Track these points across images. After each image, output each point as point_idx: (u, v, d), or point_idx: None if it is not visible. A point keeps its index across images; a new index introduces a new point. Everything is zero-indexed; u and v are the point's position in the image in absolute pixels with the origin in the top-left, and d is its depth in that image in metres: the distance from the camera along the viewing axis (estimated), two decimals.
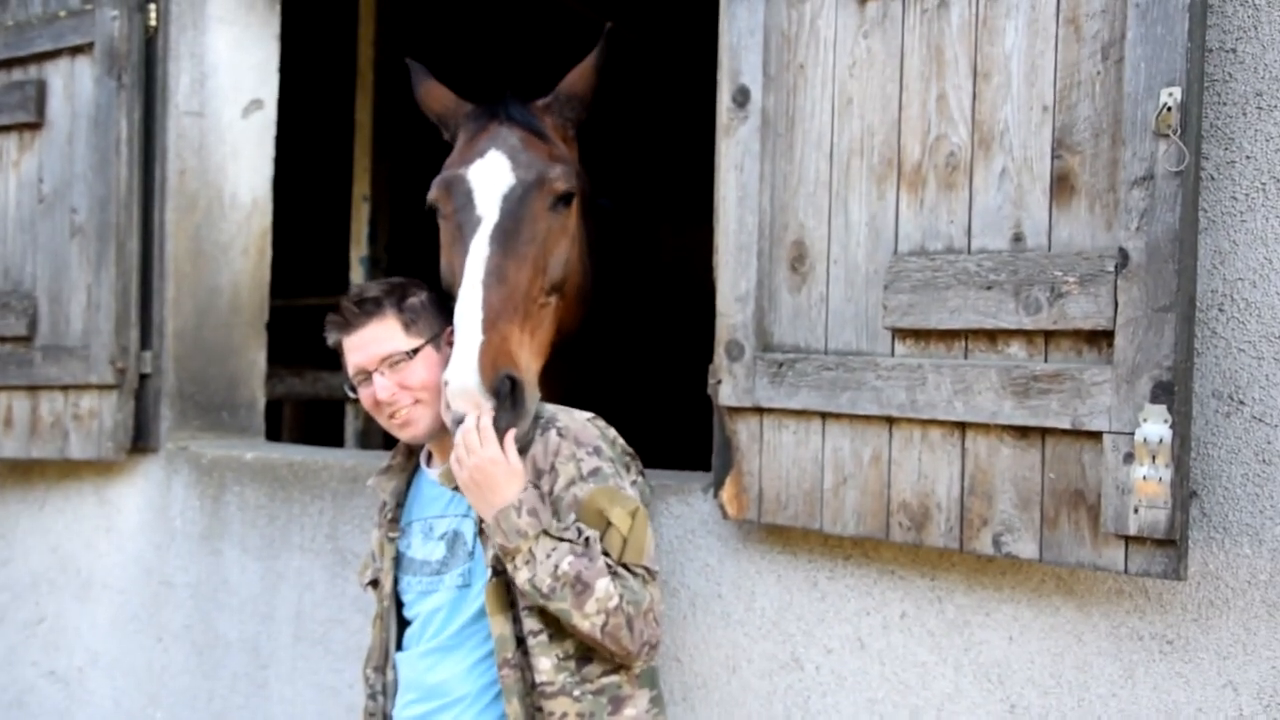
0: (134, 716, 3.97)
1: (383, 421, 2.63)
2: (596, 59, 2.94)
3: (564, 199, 2.74)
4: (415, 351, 2.58)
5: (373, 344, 2.58)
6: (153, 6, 3.99)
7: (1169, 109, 2.09)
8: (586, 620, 2.34)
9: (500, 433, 2.43)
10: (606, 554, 2.40)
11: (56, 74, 4.11)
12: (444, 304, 2.67)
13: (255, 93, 4.24)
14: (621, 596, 2.35)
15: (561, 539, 2.36)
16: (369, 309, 2.60)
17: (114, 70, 3.94)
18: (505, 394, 2.44)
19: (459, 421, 2.44)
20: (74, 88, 4.07)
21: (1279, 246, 2.16)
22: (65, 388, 4.03)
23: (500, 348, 2.47)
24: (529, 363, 2.57)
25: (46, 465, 4.21)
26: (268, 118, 4.28)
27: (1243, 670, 2.16)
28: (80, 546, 4.15)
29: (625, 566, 2.41)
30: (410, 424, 2.58)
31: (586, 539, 2.38)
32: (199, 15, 4.07)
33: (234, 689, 3.73)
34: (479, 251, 2.57)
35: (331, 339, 2.67)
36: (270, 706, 3.64)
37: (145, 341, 4.00)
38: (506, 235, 2.61)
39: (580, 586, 2.33)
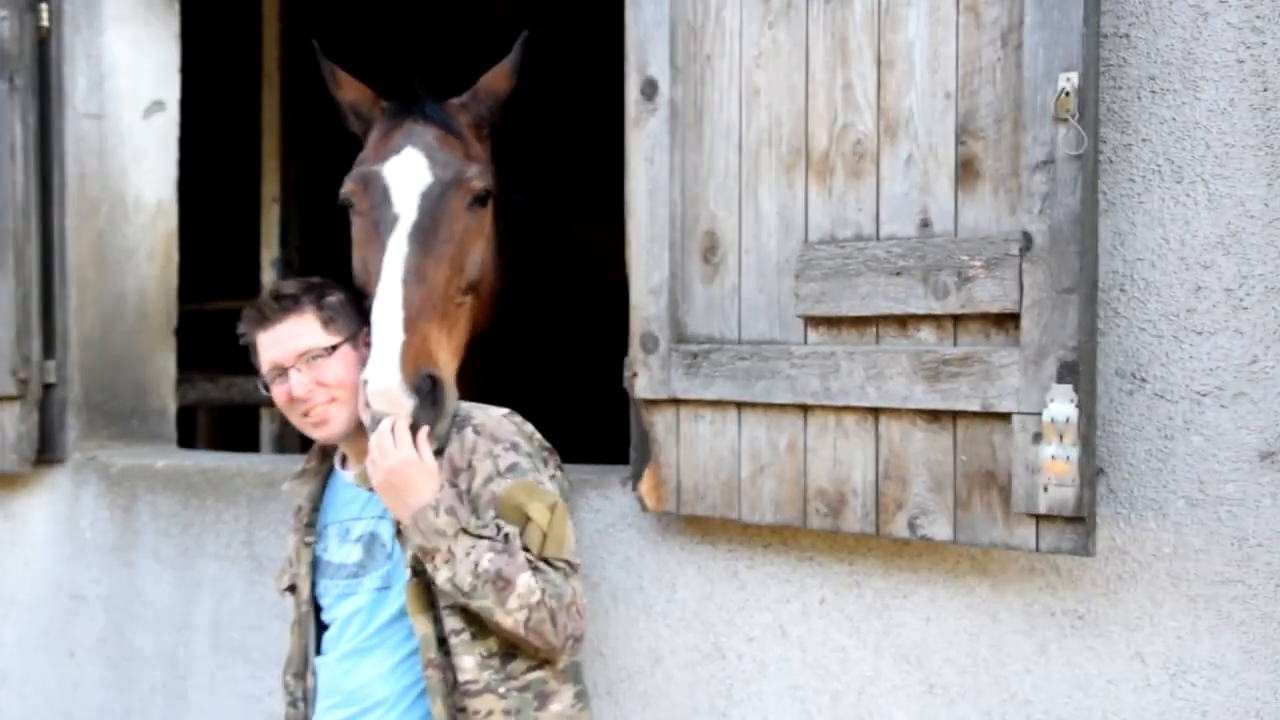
0: None
1: (295, 420, 2.59)
2: (513, 62, 2.91)
3: (481, 198, 2.73)
4: (334, 348, 2.55)
5: (290, 340, 2.55)
6: (44, 6, 3.88)
7: (1067, 94, 2.13)
8: (509, 616, 2.32)
9: (419, 430, 2.41)
10: (527, 549, 2.39)
11: None
12: (360, 306, 2.64)
13: (156, 94, 4.15)
14: (544, 591, 2.35)
15: (481, 536, 2.35)
16: (287, 305, 2.57)
17: (4, 72, 3.83)
18: (425, 392, 2.43)
19: (378, 421, 2.41)
20: None
21: (1175, 227, 2.21)
22: None
23: (420, 347, 2.46)
24: (448, 362, 2.56)
25: None
26: (170, 119, 4.19)
27: (1150, 641, 2.21)
28: None
29: (546, 561, 2.41)
30: (325, 422, 2.55)
31: (506, 535, 2.37)
32: (95, 15, 3.97)
33: (151, 702, 3.65)
34: (397, 250, 2.55)
35: (246, 336, 2.63)
36: (189, 717, 3.57)
37: (49, 351, 3.90)
38: (425, 234, 2.59)
39: (501, 583, 2.31)
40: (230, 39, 6.84)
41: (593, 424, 3.39)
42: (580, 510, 2.81)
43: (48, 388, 3.90)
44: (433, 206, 2.63)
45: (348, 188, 2.73)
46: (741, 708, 2.64)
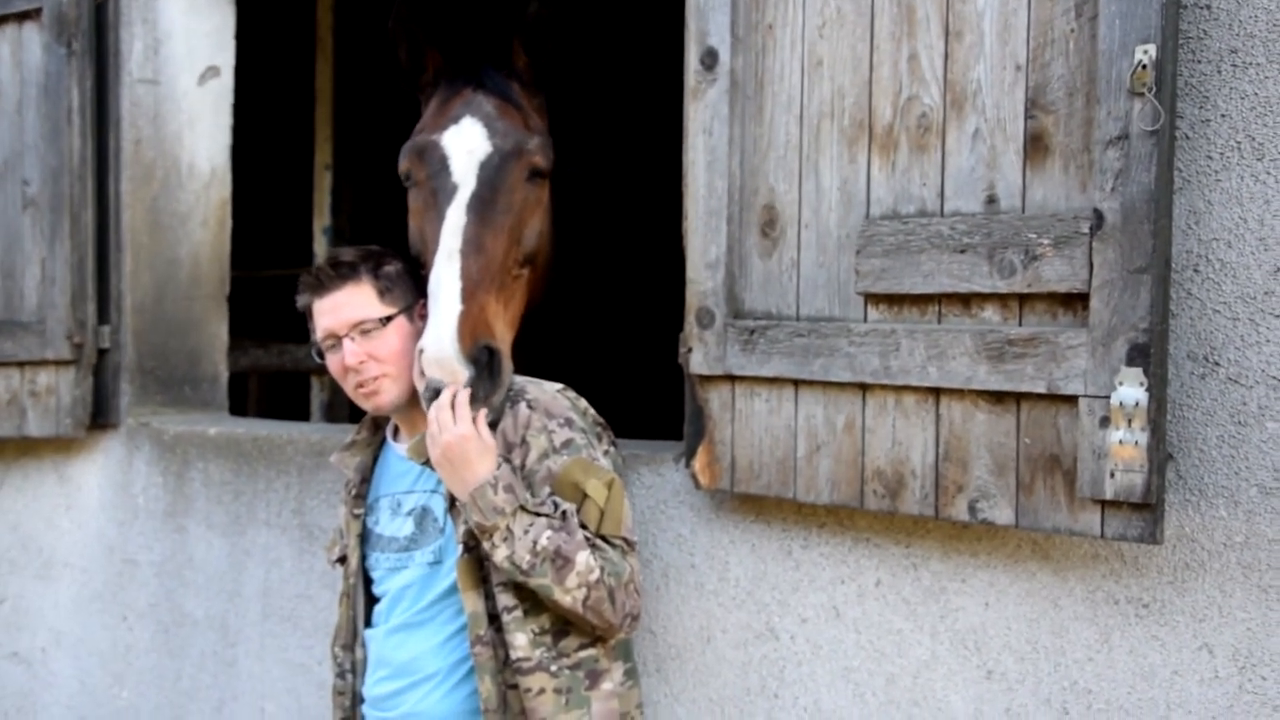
0: (99, 697, 3.91)
1: (349, 390, 2.58)
2: (529, 38, 2.82)
3: (540, 170, 2.70)
4: (388, 319, 2.53)
5: (345, 308, 2.53)
6: None
7: (1144, 67, 2.06)
8: (568, 595, 2.30)
9: (478, 404, 2.39)
10: (584, 526, 2.36)
11: (3, 41, 4.00)
12: (417, 276, 2.62)
13: (211, 59, 4.13)
14: (602, 569, 2.32)
15: (539, 514, 2.33)
16: (344, 272, 2.55)
17: (63, 37, 3.84)
18: (483, 364, 2.41)
19: (433, 390, 2.39)
20: (22, 55, 3.96)
21: (1254, 206, 2.14)
22: (21, 364, 3.94)
23: (479, 318, 2.44)
24: (504, 334, 2.54)
25: (4, 443, 4.12)
26: (225, 85, 4.18)
27: (1218, 632, 2.15)
28: (41, 525, 4.07)
29: (604, 538, 2.38)
30: (377, 393, 2.53)
31: (564, 512, 2.34)
32: None
33: (202, 667, 3.68)
34: (456, 220, 2.53)
35: (302, 301, 2.62)
36: (239, 684, 3.60)
37: (103, 316, 3.92)
38: (484, 205, 2.56)
39: (560, 561, 2.29)
40: (284, 3, 6.82)
41: (647, 398, 3.36)
42: (633, 486, 2.78)
43: (102, 353, 3.91)
44: (491, 177, 2.60)
45: (405, 158, 2.70)
46: (793, 689, 2.61)
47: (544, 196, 2.74)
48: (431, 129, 2.70)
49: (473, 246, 2.50)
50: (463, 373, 2.39)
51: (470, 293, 2.44)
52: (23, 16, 3.93)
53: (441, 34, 2.88)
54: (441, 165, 2.62)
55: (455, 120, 2.67)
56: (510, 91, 2.76)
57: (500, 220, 2.57)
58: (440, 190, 2.60)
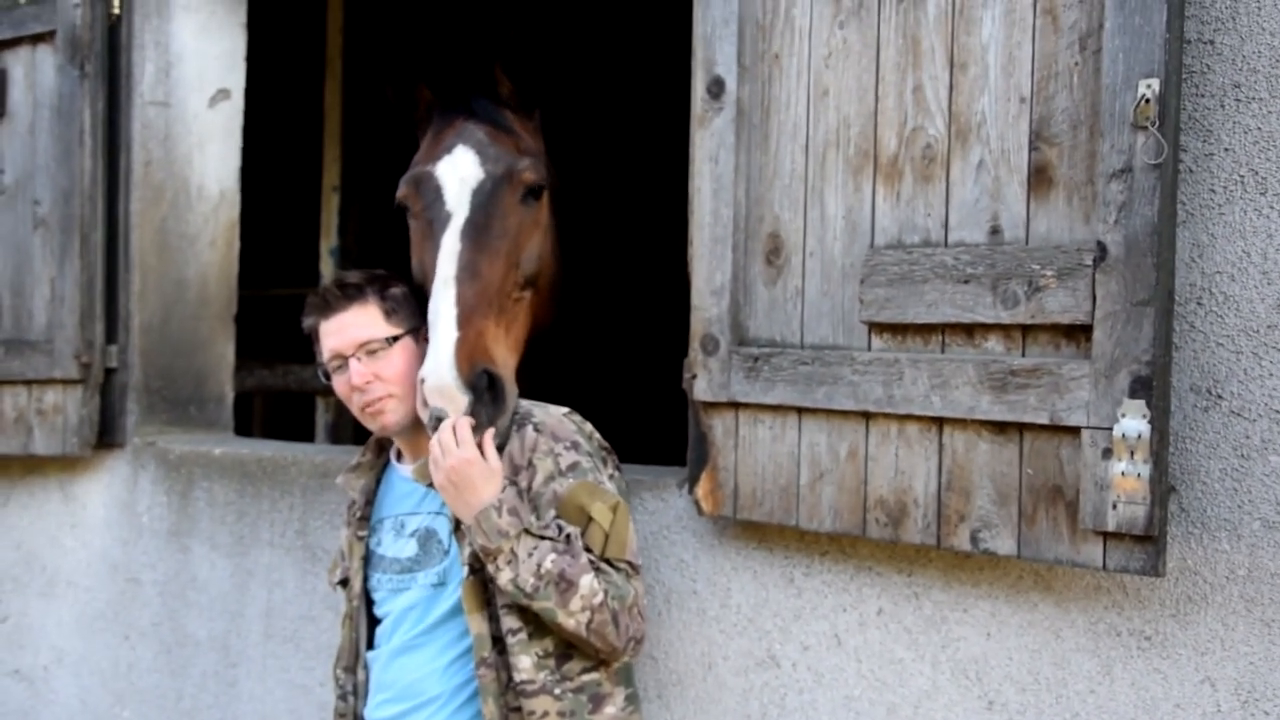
0: (101, 716, 3.91)
1: (355, 410, 2.59)
2: (509, 68, 2.86)
3: (534, 191, 2.72)
4: (394, 340, 2.55)
5: (352, 328, 2.55)
6: None
7: (1147, 100, 2.07)
8: (572, 618, 2.31)
9: (481, 429, 2.40)
10: (589, 550, 2.37)
11: (17, 63, 4.03)
12: (422, 300, 2.64)
13: (222, 82, 4.16)
14: (606, 592, 2.33)
15: (543, 537, 2.33)
16: (351, 293, 2.58)
17: (76, 59, 3.87)
18: (483, 389, 2.42)
19: (436, 418, 2.41)
20: (35, 77, 4.00)
21: (1257, 240, 2.15)
22: (29, 382, 3.96)
23: (476, 343, 2.45)
24: (506, 358, 2.55)
25: (10, 461, 4.14)
26: (235, 107, 4.21)
27: (1220, 666, 2.15)
28: (45, 543, 4.08)
29: (608, 561, 2.39)
30: (383, 413, 2.55)
31: (568, 535, 2.35)
32: (163, 3, 3.98)
33: (203, 688, 3.68)
34: (450, 247, 2.55)
35: (308, 322, 2.63)
36: (240, 705, 3.60)
37: (111, 335, 3.94)
38: (477, 230, 2.58)
39: (564, 584, 2.30)
40: (294, 27, 6.87)
41: (651, 423, 3.36)
42: (636, 512, 2.78)
43: (109, 372, 3.93)
44: (485, 202, 2.62)
45: (401, 191, 2.74)
46: (794, 717, 2.60)
47: (541, 218, 2.75)
48: (425, 160, 2.73)
49: (469, 272, 2.52)
50: (462, 399, 2.40)
51: (467, 318, 2.46)
52: (37, 38, 3.97)
53: (429, 69, 2.92)
54: (436, 194, 2.65)
55: (448, 150, 2.70)
56: (501, 117, 2.78)
57: (496, 245, 2.59)
58: (436, 219, 2.62)
